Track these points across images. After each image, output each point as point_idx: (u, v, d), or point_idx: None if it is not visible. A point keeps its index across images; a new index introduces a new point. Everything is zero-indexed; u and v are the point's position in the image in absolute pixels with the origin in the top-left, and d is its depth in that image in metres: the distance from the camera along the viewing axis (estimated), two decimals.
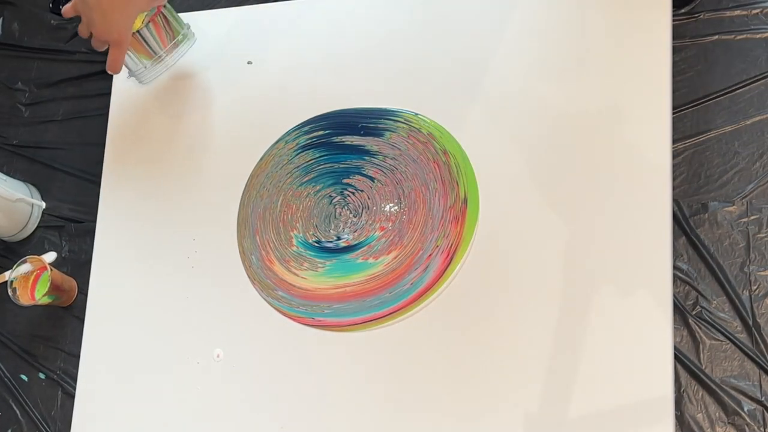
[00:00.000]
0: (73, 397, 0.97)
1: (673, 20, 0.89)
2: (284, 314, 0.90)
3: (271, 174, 0.97)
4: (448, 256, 0.86)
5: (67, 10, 0.92)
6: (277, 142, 0.97)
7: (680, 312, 0.84)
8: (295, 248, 0.93)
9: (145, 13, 0.95)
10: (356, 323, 0.87)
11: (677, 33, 0.91)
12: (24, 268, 0.99)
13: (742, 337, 0.83)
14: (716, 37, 0.91)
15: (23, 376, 1.03)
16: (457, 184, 0.88)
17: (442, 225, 0.87)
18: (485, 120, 0.90)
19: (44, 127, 1.15)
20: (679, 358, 0.83)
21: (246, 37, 1.03)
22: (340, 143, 0.95)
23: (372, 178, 0.92)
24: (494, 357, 0.82)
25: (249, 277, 0.93)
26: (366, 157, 0.93)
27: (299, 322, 0.89)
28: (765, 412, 0.80)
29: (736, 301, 0.83)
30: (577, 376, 0.79)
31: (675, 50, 0.90)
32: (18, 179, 1.10)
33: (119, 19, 0.89)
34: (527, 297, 0.82)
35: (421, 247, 0.87)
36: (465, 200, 0.87)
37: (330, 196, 0.93)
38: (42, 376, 1.03)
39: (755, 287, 0.83)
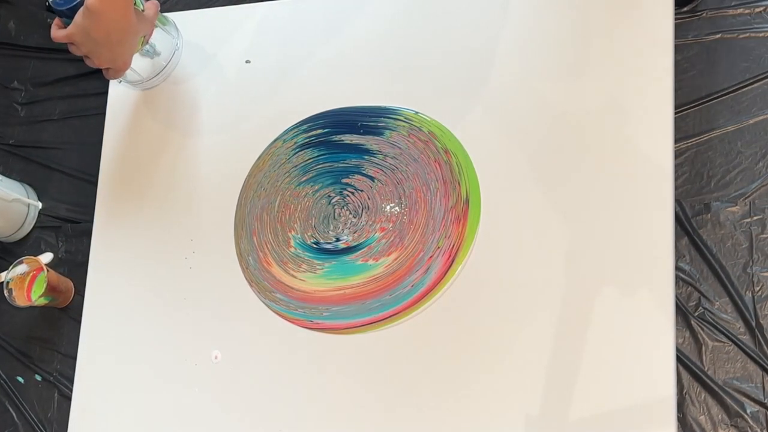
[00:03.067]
0: (69, 398, 0.96)
1: (676, 19, 0.88)
2: (282, 317, 0.89)
3: (268, 173, 0.96)
4: (449, 257, 0.85)
5: (58, 36, 0.86)
6: (275, 140, 0.97)
7: (682, 313, 0.84)
8: (293, 249, 0.92)
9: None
10: (356, 326, 0.86)
11: (679, 32, 0.91)
12: (20, 269, 0.98)
13: (745, 338, 0.82)
14: (719, 35, 0.91)
15: (19, 378, 1.03)
16: (459, 184, 0.88)
17: (443, 226, 0.87)
18: (486, 119, 0.89)
19: (41, 126, 1.14)
20: (681, 359, 0.82)
21: (244, 35, 1.03)
22: (339, 142, 0.94)
23: (372, 178, 0.92)
24: (495, 359, 0.81)
25: (246, 279, 0.92)
26: (366, 157, 0.93)
27: (297, 324, 0.89)
28: None
29: (739, 302, 0.83)
30: (579, 377, 0.78)
31: (677, 49, 0.89)
32: (14, 179, 1.10)
33: (125, 50, 0.89)
34: (529, 299, 0.82)
35: (422, 248, 0.87)
36: (467, 200, 0.87)
37: (329, 196, 0.93)
38: (38, 377, 1.02)
39: (758, 288, 0.83)
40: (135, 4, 0.89)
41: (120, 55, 0.89)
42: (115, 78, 0.93)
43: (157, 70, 1.02)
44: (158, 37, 0.99)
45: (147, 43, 0.97)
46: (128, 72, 0.97)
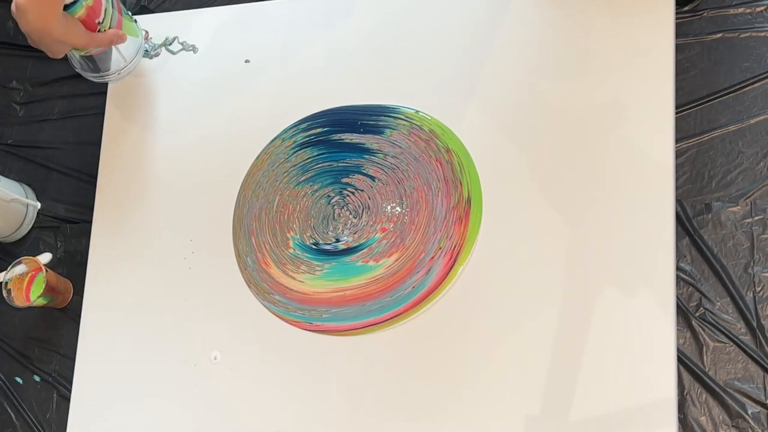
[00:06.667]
0: (68, 399, 0.96)
1: (677, 18, 0.88)
2: (281, 318, 0.89)
3: (267, 172, 0.95)
4: (451, 258, 0.85)
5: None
6: (274, 139, 0.96)
7: (683, 314, 0.84)
8: (291, 250, 0.92)
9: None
10: (356, 328, 0.86)
11: (681, 31, 0.90)
12: (19, 269, 0.98)
13: (746, 339, 0.82)
14: (720, 35, 0.91)
15: (18, 379, 1.02)
16: (461, 184, 0.87)
17: (445, 226, 0.86)
18: (487, 118, 0.89)
19: (39, 126, 1.14)
20: (682, 360, 0.82)
21: (244, 35, 1.02)
22: (339, 141, 0.94)
23: (372, 177, 0.91)
24: (496, 360, 0.81)
25: (245, 280, 0.92)
26: (366, 156, 0.92)
27: (296, 326, 0.88)
28: None
29: (740, 302, 0.83)
30: (579, 377, 0.78)
31: (678, 48, 0.89)
32: (13, 179, 1.09)
33: (50, 48, 0.88)
34: (530, 299, 0.81)
35: (424, 249, 0.86)
36: (468, 200, 0.86)
37: (328, 196, 0.92)
38: (37, 378, 1.02)
39: (759, 288, 0.83)
40: (102, 20, 0.90)
41: (47, 49, 0.88)
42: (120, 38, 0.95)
43: (119, 68, 1.01)
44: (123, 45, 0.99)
45: (94, 53, 0.96)
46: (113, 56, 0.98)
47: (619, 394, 0.77)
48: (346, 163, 0.93)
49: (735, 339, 0.82)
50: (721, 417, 0.81)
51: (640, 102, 0.84)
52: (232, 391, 0.88)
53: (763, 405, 0.80)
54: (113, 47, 0.99)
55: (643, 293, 0.79)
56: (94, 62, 1.01)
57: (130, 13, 1.00)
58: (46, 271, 0.97)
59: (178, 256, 0.95)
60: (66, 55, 0.93)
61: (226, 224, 0.95)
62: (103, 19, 0.91)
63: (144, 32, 1.04)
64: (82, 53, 0.95)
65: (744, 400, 0.80)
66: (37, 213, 1.09)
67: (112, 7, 0.93)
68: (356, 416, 0.84)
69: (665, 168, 0.82)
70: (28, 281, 0.98)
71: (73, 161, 1.09)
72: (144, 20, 1.06)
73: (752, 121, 0.87)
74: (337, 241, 0.90)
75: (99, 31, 0.92)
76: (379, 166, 0.91)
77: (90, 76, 1.02)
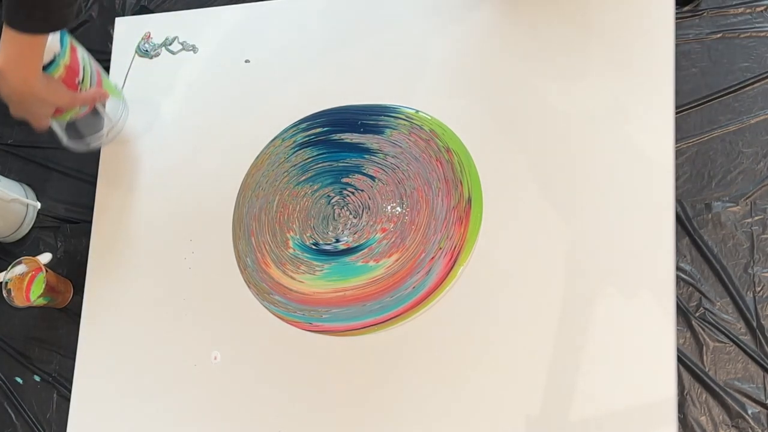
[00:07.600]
0: (68, 399, 0.96)
1: (677, 18, 0.88)
2: (281, 319, 0.89)
3: (267, 172, 0.95)
4: (451, 258, 0.85)
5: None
6: (273, 139, 0.96)
7: (683, 314, 0.84)
8: (291, 251, 0.92)
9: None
10: (356, 328, 0.86)
11: (680, 31, 0.91)
12: (19, 269, 0.98)
13: (746, 339, 0.82)
14: (720, 35, 0.91)
15: (18, 379, 1.02)
16: (461, 184, 0.87)
17: (445, 226, 0.86)
18: (487, 118, 0.89)
19: None
20: (682, 360, 0.82)
21: (244, 35, 1.03)
22: (339, 141, 0.94)
23: (372, 177, 0.91)
24: (496, 360, 0.81)
25: (245, 281, 0.92)
26: (366, 156, 0.92)
27: (296, 327, 0.88)
28: None
29: (740, 302, 0.83)
30: (579, 377, 0.78)
31: (678, 48, 0.89)
32: (13, 179, 1.09)
33: (32, 113, 0.86)
34: (530, 299, 0.81)
35: (424, 249, 0.86)
36: (469, 200, 0.86)
37: (328, 196, 0.92)
38: (37, 378, 1.02)
39: (759, 288, 0.83)
40: (82, 79, 0.89)
41: (29, 113, 0.86)
42: (39, 131, 0.90)
43: (101, 133, 1.00)
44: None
45: (78, 116, 0.94)
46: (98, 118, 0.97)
47: (619, 393, 0.77)
48: (346, 163, 0.93)
49: (735, 339, 0.82)
50: (721, 417, 0.81)
51: (640, 102, 0.84)
52: (232, 391, 0.88)
53: (763, 405, 0.80)
54: (98, 108, 0.98)
55: (644, 293, 0.79)
56: (77, 130, 0.99)
57: (107, 75, 0.99)
58: (46, 271, 0.97)
59: (178, 256, 0.95)
60: (51, 128, 0.90)
61: (226, 224, 0.95)
62: (83, 77, 0.90)
63: (147, 33, 1.04)
64: (67, 118, 0.93)
65: (744, 400, 0.80)
66: (37, 213, 1.09)
67: (90, 67, 0.91)
68: (356, 416, 0.84)
69: (665, 168, 0.82)
70: (28, 281, 0.98)
71: (73, 161, 1.09)
72: (144, 20, 1.06)
73: (752, 121, 0.88)
74: (337, 241, 0.90)
75: (80, 90, 0.90)
76: (379, 166, 0.91)
77: (76, 144, 0.99)
